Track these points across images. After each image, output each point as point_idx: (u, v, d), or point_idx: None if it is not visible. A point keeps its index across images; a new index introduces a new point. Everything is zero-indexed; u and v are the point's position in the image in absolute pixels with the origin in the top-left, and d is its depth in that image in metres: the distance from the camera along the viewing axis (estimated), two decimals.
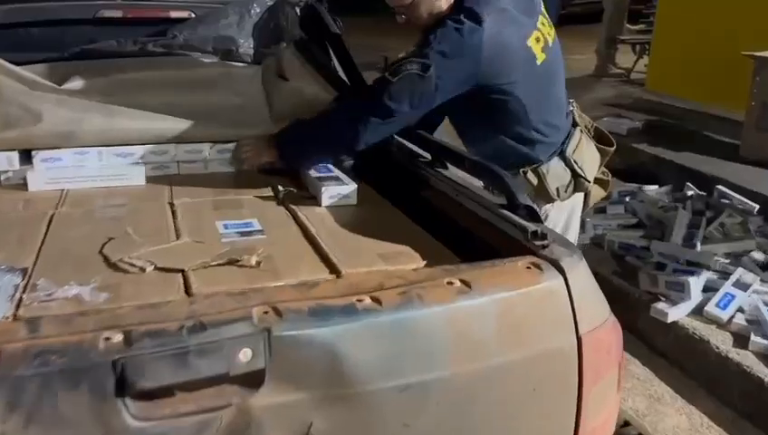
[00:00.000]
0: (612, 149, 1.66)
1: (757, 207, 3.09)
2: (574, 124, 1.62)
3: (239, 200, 1.42)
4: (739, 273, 2.58)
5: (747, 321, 2.38)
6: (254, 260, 1.05)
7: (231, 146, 1.64)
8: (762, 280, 2.57)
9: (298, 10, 1.80)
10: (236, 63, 1.73)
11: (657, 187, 3.51)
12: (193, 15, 1.79)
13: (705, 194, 3.31)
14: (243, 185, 1.52)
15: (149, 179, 1.55)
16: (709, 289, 2.56)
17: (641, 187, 3.49)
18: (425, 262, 1.10)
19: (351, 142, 1.48)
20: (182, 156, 1.61)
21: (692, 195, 3.31)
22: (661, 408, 2.29)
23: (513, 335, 0.90)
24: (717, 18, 4.58)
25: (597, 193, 1.71)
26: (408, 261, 1.09)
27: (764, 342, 2.26)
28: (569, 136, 1.57)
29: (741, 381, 2.21)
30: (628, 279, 2.75)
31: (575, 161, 1.53)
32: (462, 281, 0.90)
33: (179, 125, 1.59)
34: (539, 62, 1.47)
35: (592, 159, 1.60)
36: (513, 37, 1.42)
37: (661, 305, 2.50)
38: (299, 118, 1.57)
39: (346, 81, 1.77)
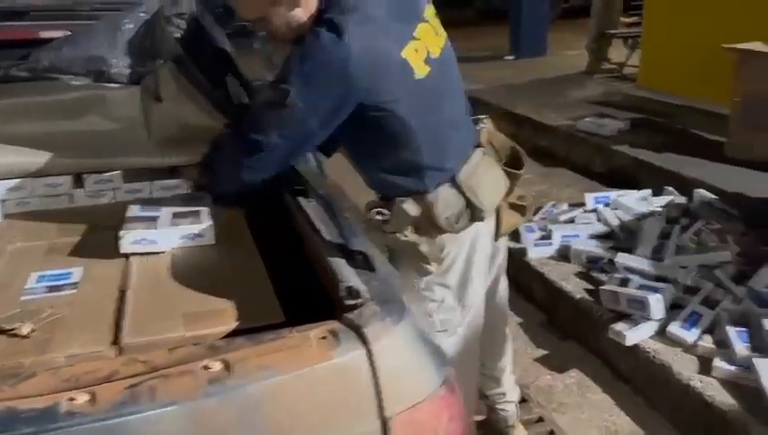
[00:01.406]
0: (521, 172, 1.47)
1: (740, 211, 2.86)
2: (478, 145, 1.44)
3: (83, 242, 1.27)
4: (708, 288, 2.36)
5: (715, 343, 2.17)
6: (26, 329, 0.90)
7: (107, 176, 1.50)
8: (734, 296, 2.35)
9: (182, 23, 1.65)
10: (111, 85, 1.58)
11: (635, 192, 3.29)
12: (68, 34, 1.65)
13: (684, 199, 3.08)
14: (106, 220, 1.37)
15: (7, 217, 1.42)
16: (678, 307, 2.35)
17: (616, 192, 3.27)
18: (237, 323, 0.93)
19: (231, 183, 1.33)
20: (42, 190, 1.47)
21: (669, 200, 3.09)
22: None
23: (290, 429, 0.73)
24: (709, 9, 4.34)
25: (510, 220, 1.52)
26: (216, 323, 0.93)
27: (729, 368, 2.03)
28: (465, 159, 1.38)
29: (706, 413, 1.99)
30: (594, 296, 2.55)
31: (469, 187, 1.35)
32: (224, 362, 0.73)
33: (45, 157, 1.46)
34: (420, 77, 1.28)
35: (494, 184, 1.41)
36: (385, 48, 1.24)
37: (620, 326, 2.29)
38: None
39: (235, 101, 1.62)
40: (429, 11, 1.39)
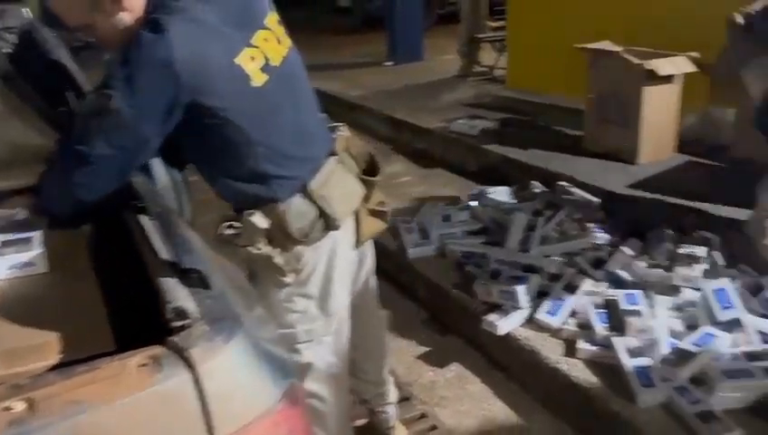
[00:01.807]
0: (377, 179, 1.50)
1: (598, 200, 3.07)
2: (333, 153, 1.44)
3: None
4: (569, 275, 2.52)
5: (578, 326, 2.31)
6: None
7: None
8: (595, 280, 2.52)
9: (12, 38, 1.54)
10: None
11: (505, 188, 3.44)
12: None
13: (548, 192, 3.27)
14: None
15: None
16: (545, 294, 2.48)
17: (487, 189, 3.42)
18: (61, 356, 0.87)
19: (64, 203, 1.23)
20: None
21: (535, 194, 3.27)
22: (494, 429, 2.18)
23: None
24: (565, 12, 4.64)
25: (372, 227, 1.53)
26: (38, 359, 0.86)
27: (591, 348, 2.17)
28: (318, 168, 1.38)
29: (572, 393, 2.12)
30: (470, 290, 2.64)
31: (321, 197, 1.35)
32: (28, 402, 0.69)
33: None
34: (257, 84, 1.26)
35: (348, 192, 1.42)
36: (215, 52, 1.20)
37: (492, 317, 2.39)
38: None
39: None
40: (271, 18, 1.37)
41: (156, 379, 0.74)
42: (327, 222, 1.36)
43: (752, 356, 1.99)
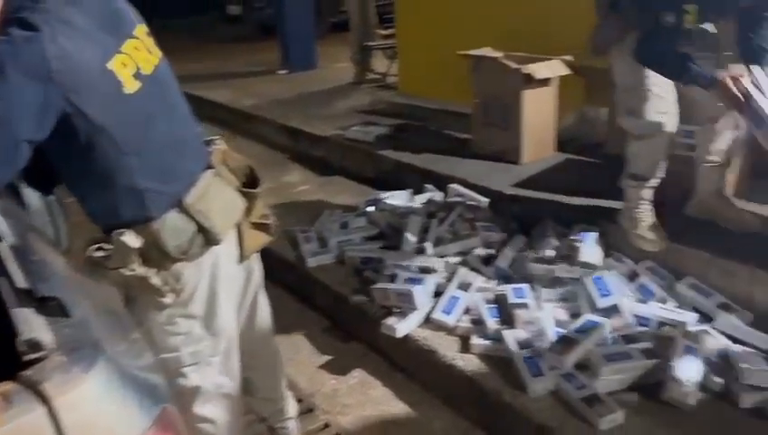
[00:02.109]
0: (257, 191, 1.48)
1: (487, 200, 3.19)
2: (209, 166, 1.41)
3: None
4: (462, 273, 2.60)
5: (472, 322, 2.39)
6: None
7: None
8: (486, 277, 2.61)
9: None
10: None
11: (401, 192, 3.50)
12: None
13: (441, 194, 3.36)
14: None
15: None
16: (441, 294, 2.54)
17: (383, 194, 3.47)
18: None
19: None
20: None
21: (429, 197, 3.35)
22: (397, 430, 2.20)
23: None
24: (451, 19, 4.80)
25: (256, 240, 1.51)
26: None
27: (484, 342, 2.26)
28: (194, 182, 1.34)
29: (469, 388, 2.18)
30: (368, 295, 2.66)
31: (199, 211, 1.31)
32: None
33: None
34: (129, 92, 1.22)
35: (227, 205, 1.39)
36: (87, 54, 1.16)
37: (391, 320, 2.43)
38: None
39: None
40: (140, 29, 1.33)
41: (6, 417, 0.69)
42: (207, 237, 1.33)
43: (629, 339, 2.14)
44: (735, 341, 2.12)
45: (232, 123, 5.53)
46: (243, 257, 1.48)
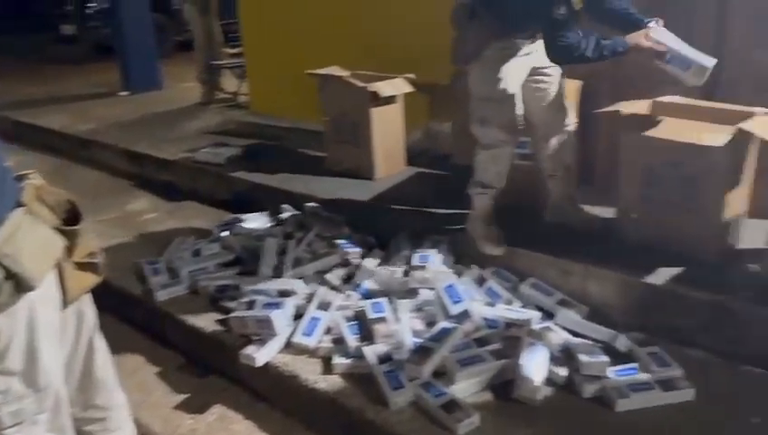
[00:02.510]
0: (78, 228, 1.34)
1: (343, 217, 3.20)
2: (19, 204, 1.25)
3: None
4: (321, 293, 2.57)
5: (333, 342, 2.37)
6: None
7: None
8: (346, 294, 2.61)
9: None
10: None
11: (257, 214, 3.42)
12: None
13: (298, 214, 3.32)
14: None
15: None
16: (302, 316, 2.50)
17: (238, 217, 3.36)
18: None
19: None
20: None
21: (286, 218, 3.30)
22: None
23: None
24: (298, 38, 4.80)
25: (82, 281, 1.37)
26: None
27: (346, 361, 2.24)
28: (1, 222, 1.19)
29: (332, 410, 2.15)
30: (226, 325, 2.55)
31: (7, 255, 1.17)
32: None
33: None
34: None
35: (42, 246, 1.25)
36: None
37: (250, 349, 2.34)
38: None
39: None
40: None
41: None
42: (18, 283, 1.18)
43: (481, 342, 2.23)
44: (575, 334, 2.29)
45: (67, 151, 5.11)
46: (67, 302, 1.34)
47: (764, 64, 2.61)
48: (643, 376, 2.04)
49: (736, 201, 2.35)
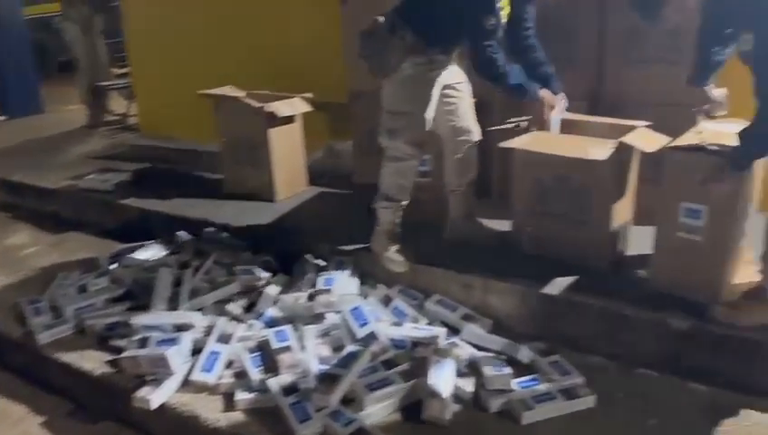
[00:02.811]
0: None
1: (244, 242, 3.08)
2: None
3: None
4: (221, 324, 2.45)
5: (235, 376, 2.25)
6: None
7: None
8: (249, 324, 2.50)
9: None
10: None
11: (150, 243, 3.22)
12: None
13: (195, 240, 3.17)
14: None
15: None
16: (201, 351, 2.36)
17: (129, 248, 3.16)
18: None
19: None
20: None
21: (181, 245, 3.14)
22: None
23: None
24: (189, 57, 4.64)
25: None
26: None
27: (249, 396, 2.13)
28: None
29: None
30: (117, 366, 2.37)
31: None
32: None
33: None
34: None
35: None
36: None
37: (144, 391, 2.18)
38: None
39: None
40: None
41: None
42: None
43: (389, 364, 2.19)
44: (480, 348, 2.31)
45: None
46: None
47: (641, 80, 2.77)
48: (546, 386, 2.08)
49: (622, 210, 2.47)
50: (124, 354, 2.33)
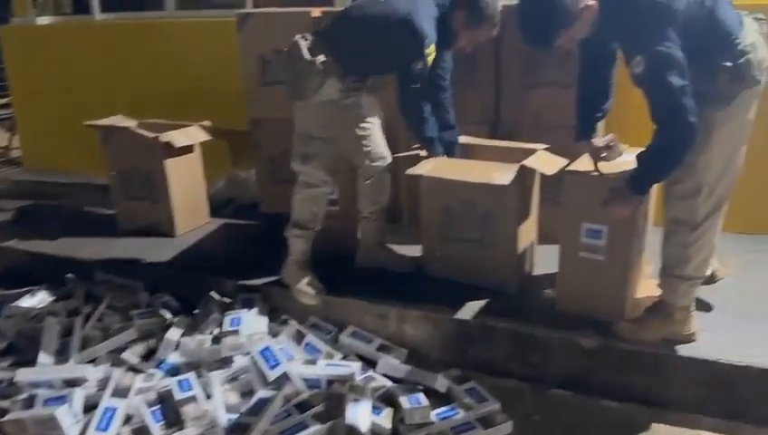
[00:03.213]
0: None
1: (141, 283, 2.88)
2: None
3: None
4: (117, 377, 2.26)
5: (135, 433, 2.07)
6: None
7: None
8: (148, 374, 2.31)
9: None
10: None
11: (36, 289, 2.94)
12: None
13: (87, 283, 2.93)
14: None
15: None
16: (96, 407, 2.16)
17: (11, 296, 2.87)
18: None
19: None
20: None
21: (70, 290, 2.89)
22: None
23: None
24: (74, 85, 4.35)
25: None
26: None
27: None
28: None
29: None
30: (0, 430, 2.12)
31: None
32: None
33: None
34: None
35: None
36: None
37: None
38: None
39: None
40: None
41: None
42: None
43: (303, 406, 2.09)
44: (397, 380, 2.25)
45: None
46: None
47: (536, 103, 2.85)
48: (464, 416, 2.06)
49: (527, 232, 2.51)
50: (8, 417, 2.09)
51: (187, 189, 3.30)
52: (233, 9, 3.62)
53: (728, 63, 1.85)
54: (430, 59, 2.30)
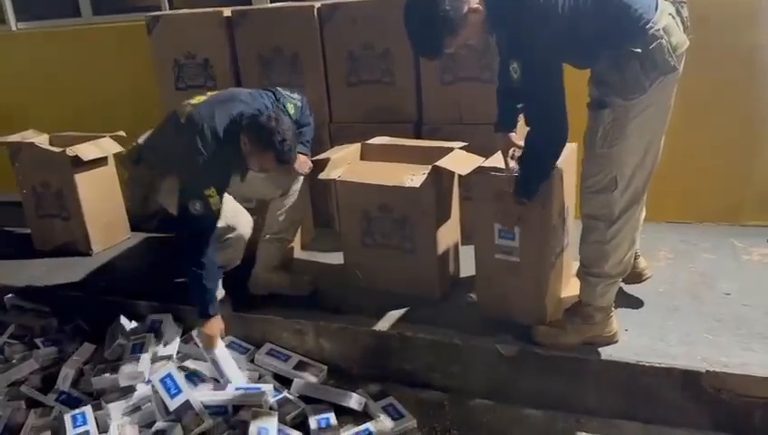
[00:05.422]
0: None
1: (48, 309, 2.70)
2: None
3: None
4: (13, 411, 2.11)
5: None
6: None
7: None
8: (45, 406, 2.15)
9: None
10: None
11: None
12: None
13: None
14: None
15: None
16: None
17: None
18: None
19: None
20: None
21: None
22: None
23: None
24: None
25: None
26: None
27: None
28: None
29: None
30: None
31: None
32: None
33: None
34: None
35: None
36: None
37: None
38: None
39: None
40: None
41: None
42: None
43: None
44: (311, 400, 2.13)
45: None
46: None
47: (454, 100, 2.72)
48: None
49: (448, 234, 2.40)
50: None
51: (102, 204, 3.12)
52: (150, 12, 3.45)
53: (638, 50, 1.75)
54: (213, 201, 2.15)
